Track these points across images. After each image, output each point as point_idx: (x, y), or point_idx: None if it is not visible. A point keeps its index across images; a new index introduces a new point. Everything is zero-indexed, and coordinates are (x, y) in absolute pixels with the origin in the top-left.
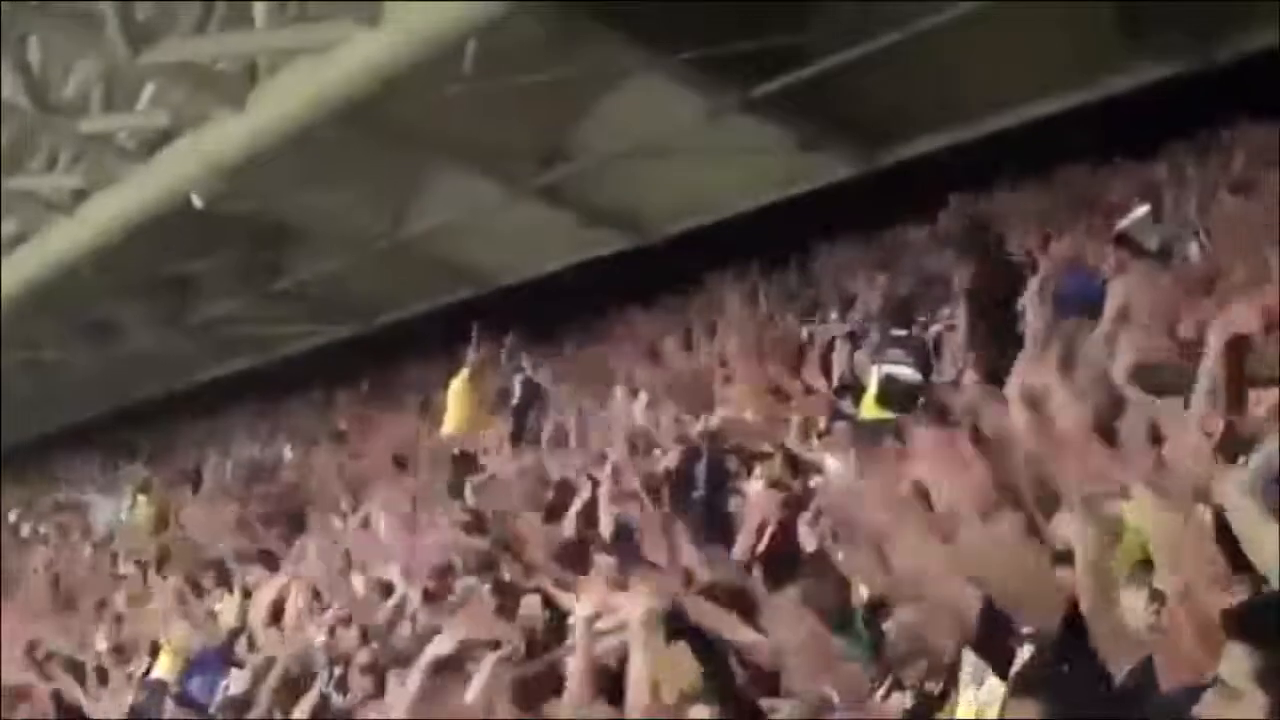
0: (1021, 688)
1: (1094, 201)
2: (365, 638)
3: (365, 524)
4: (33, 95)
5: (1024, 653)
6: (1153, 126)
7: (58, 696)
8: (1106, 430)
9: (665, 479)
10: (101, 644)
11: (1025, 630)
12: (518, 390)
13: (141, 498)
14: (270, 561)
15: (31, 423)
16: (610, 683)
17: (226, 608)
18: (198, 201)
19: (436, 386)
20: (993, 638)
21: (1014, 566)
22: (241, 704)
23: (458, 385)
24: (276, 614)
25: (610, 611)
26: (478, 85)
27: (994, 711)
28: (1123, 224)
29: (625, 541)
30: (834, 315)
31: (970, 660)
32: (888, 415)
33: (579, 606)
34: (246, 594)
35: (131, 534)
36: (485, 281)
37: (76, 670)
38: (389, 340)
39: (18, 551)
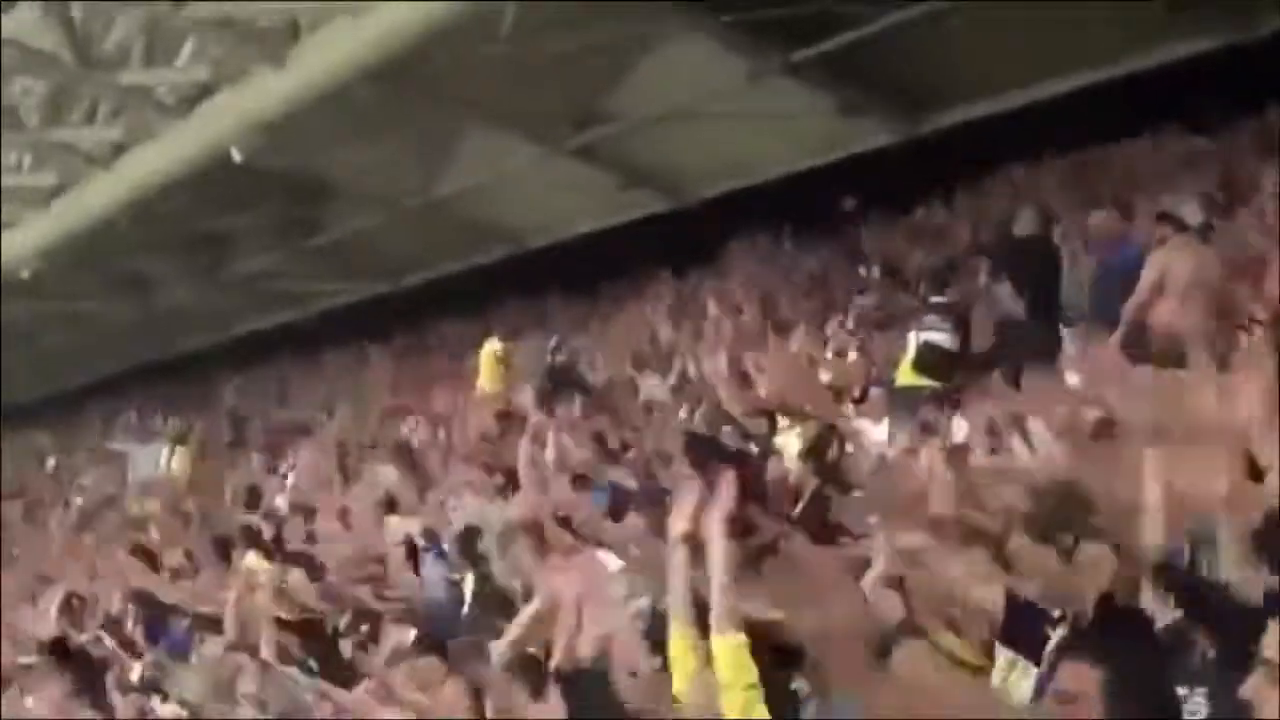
0: (1071, 654)
1: (1135, 174)
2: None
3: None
4: (74, 48)
5: (1057, 635)
6: (1195, 100)
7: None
8: None
9: (694, 441)
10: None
11: (1056, 614)
12: (551, 351)
13: (179, 448)
14: (310, 512)
15: (70, 374)
16: None
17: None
18: (237, 156)
19: (471, 344)
20: (1021, 628)
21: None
22: None
23: (491, 345)
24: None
25: None
26: (516, 47)
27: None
28: (1168, 198)
29: (654, 505)
30: (872, 281)
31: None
32: (925, 382)
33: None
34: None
35: (169, 483)
36: (520, 241)
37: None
38: (424, 298)
39: (56, 497)
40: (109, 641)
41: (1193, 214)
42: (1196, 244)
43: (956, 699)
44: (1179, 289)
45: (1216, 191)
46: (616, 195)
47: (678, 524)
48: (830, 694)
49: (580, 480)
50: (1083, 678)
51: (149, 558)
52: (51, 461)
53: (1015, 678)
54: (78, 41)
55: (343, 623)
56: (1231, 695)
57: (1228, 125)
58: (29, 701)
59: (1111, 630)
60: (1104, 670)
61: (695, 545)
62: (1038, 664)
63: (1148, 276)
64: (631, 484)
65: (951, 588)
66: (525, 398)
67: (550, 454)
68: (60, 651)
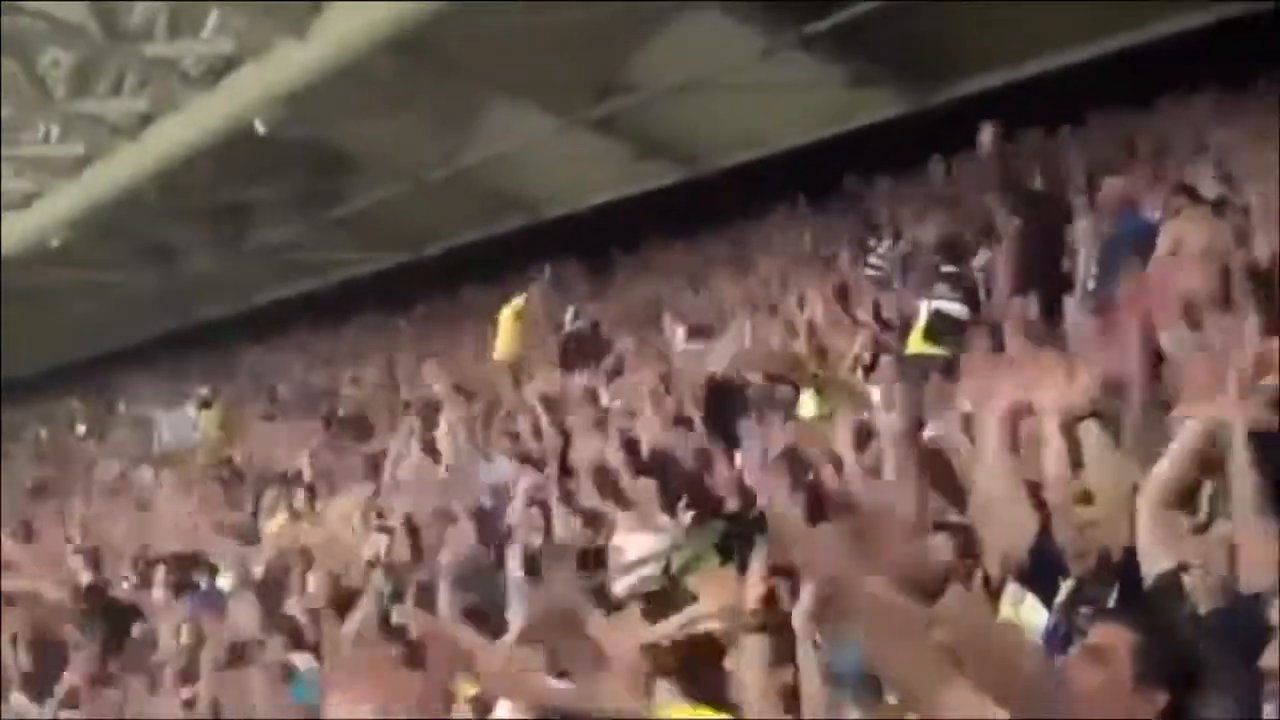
0: (1105, 615)
1: (1145, 144)
2: (419, 554)
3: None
4: (100, 20)
5: (1066, 586)
6: (1206, 70)
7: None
8: None
9: (708, 407)
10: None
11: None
12: (569, 318)
13: (205, 413)
14: (332, 479)
15: (97, 341)
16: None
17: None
18: (260, 128)
19: (490, 313)
20: (1042, 570)
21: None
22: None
23: (509, 312)
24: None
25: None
26: (534, 18)
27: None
28: (1186, 169)
29: (667, 466)
30: (883, 250)
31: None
32: (935, 350)
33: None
34: (296, 515)
35: (193, 449)
36: (538, 211)
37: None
38: (445, 267)
39: (85, 462)
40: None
41: (1209, 188)
42: (1210, 216)
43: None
44: (1192, 258)
45: (1228, 163)
46: (633, 165)
47: None
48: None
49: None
50: (1115, 637)
51: (178, 516)
52: (81, 426)
53: (1025, 612)
54: (105, 14)
55: None
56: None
57: (1241, 94)
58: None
59: (1125, 590)
60: (1136, 632)
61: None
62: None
63: (1164, 244)
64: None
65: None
66: (542, 358)
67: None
68: (96, 596)
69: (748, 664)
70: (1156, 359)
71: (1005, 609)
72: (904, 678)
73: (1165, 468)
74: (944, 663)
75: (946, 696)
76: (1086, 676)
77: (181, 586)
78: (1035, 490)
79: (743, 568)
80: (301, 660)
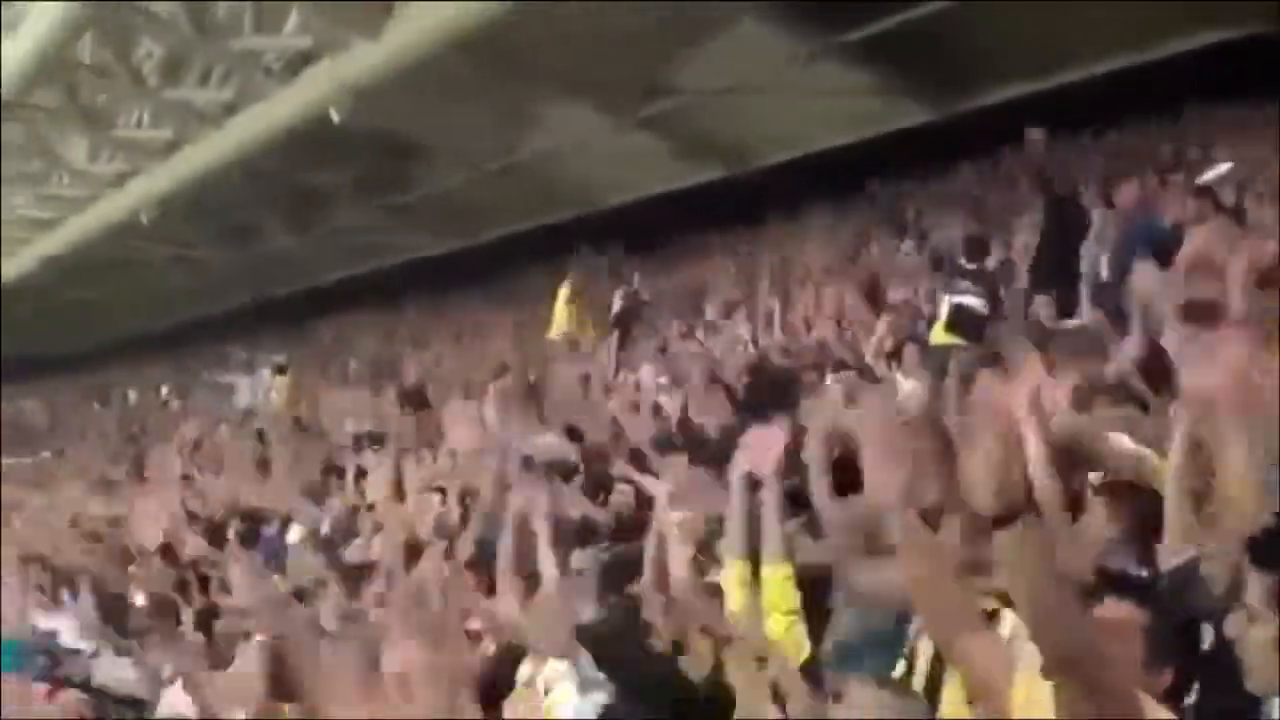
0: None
1: (1162, 154)
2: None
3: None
4: (191, 15)
5: None
6: (1222, 85)
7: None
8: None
9: (742, 390)
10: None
11: None
12: (619, 302)
13: (279, 379)
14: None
15: (183, 312)
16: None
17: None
18: (335, 118)
19: (543, 294)
20: None
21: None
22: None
23: (564, 293)
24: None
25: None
26: (590, 22)
27: None
28: (1205, 177)
29: (700, 446)
30: (908, 247)
31: None
32: (956, 341)
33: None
34: (361, 474)
35: (269, 411)
36: (590, 202)
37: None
38: (502, 251)
39: (168, 423)
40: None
41: (1228, 195)
42: (1231, 225)
43: None
44: (1216, 263)
45: (1248, 173)
46: (677, 162)
47: (740, 464)
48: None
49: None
50: (1128, 613)
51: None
52: (165, 390)
53: None
54: (195, 10)
55: None
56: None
57: (1261, 106)
58: (139, 599)
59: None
60: (1149, 611)
61: (754, 483)
62: None
63: (1188, 250)
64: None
65: None
66: (593, 339)
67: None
68: (170, 556)
69: None
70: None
71: None
72: (935, 616)
73: (1173, 456)
74: (976, 610)
75: (972, 644)
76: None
77: (248, 539)
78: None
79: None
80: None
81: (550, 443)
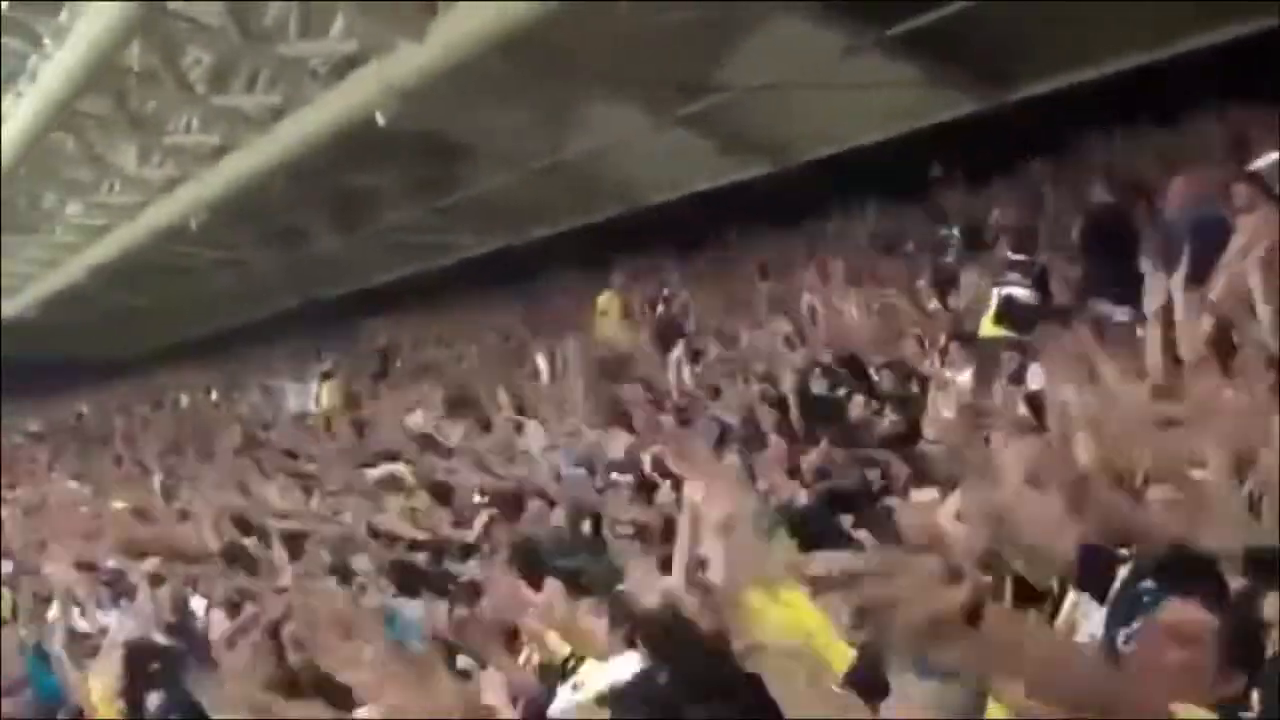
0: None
1: (1216, 144)
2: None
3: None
4: (237, 21)
5: (1123, 571)
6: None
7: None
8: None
9: (793, 389)
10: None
11: (1123, 553)
12: (663, 301)
13: (327, 384)
14: (441, 448)
15: (231, 314)
16: None
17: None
18: (381, 120)
19: (589, 294)
20: (1094, 571)
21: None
22: None
23: (608, 295)
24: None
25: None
26: (633, 20)
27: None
28: (1256, 164)
29: (749, 443)
30: (956, 241)
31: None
32: (1005, 334)
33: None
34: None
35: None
36: (634, 200)
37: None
38: (548, 251)
39: (218, 426)
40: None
41: (1273, 180)
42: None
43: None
44: (1261, 253)
45: None
46: (721, 159)
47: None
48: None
49: (682, 414)
50: (1194, 616)
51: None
52: (215, 394)
53: (1079, 615)
54: (240, 15)
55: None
56: None
57: None
58: (195, 601)
59: (1187, 574)
60: (1214, 613)
61: None
62: (1102, 602)
63: (1239, 238)
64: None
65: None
66: (637, 338)
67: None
68: (231, 556)
69: None
70: None
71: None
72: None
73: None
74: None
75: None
76: (1164, 655)
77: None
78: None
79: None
80: (410, 608)
81: (602, 443)
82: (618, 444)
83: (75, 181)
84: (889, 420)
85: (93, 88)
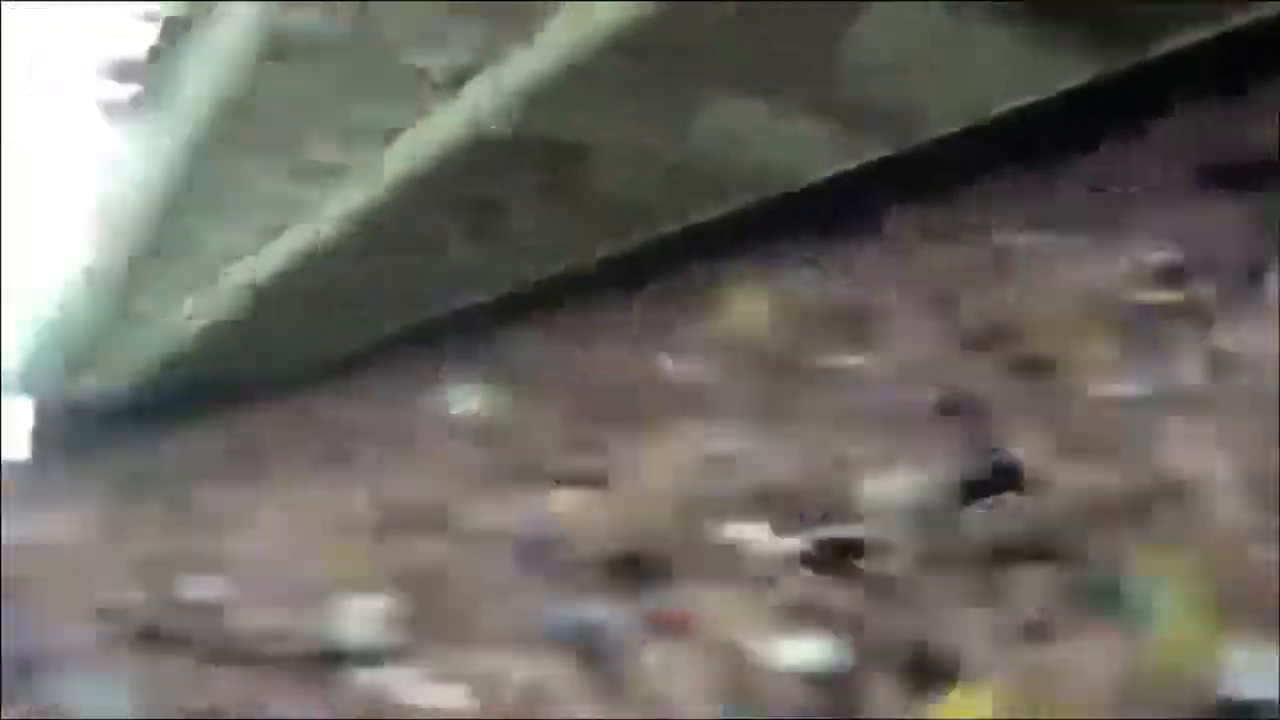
0: None
1: None
2: None
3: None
4: (362, 37)
5: None
6: None
7: None
8: None
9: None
10: None
11: None
12: (800, 287)
13: (481, 388)
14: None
15: (377, 329)
16: None
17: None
18: (501, 127)
19: (722, 286)
20: None
21: None
22: None
23: (743, 287)
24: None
25: None
26: (740, 12)
27: None
28: None
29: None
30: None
31: None
32: (1161, 297)
33: None
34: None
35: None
36: (763, 188)
37: None
38: (680, 245)
39: (375, 439)
40: None
41: None
42: None
43: None
44: None
45: None
46: (845, 142)
47: None
48: None
49: None
50: None
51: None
52: (370, 408)
53: None
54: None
55: None
56: None
57: None
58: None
59: None
60: None
61: None
62: None
63: None
64: None
65: None
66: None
67: None
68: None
69: None
70: None
71: None
72: None
73: None
74: None
75: None
76: None
77: None
78: None
79: None
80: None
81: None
82: None
83: (218, 206)
84: None
85: (232, 112)
